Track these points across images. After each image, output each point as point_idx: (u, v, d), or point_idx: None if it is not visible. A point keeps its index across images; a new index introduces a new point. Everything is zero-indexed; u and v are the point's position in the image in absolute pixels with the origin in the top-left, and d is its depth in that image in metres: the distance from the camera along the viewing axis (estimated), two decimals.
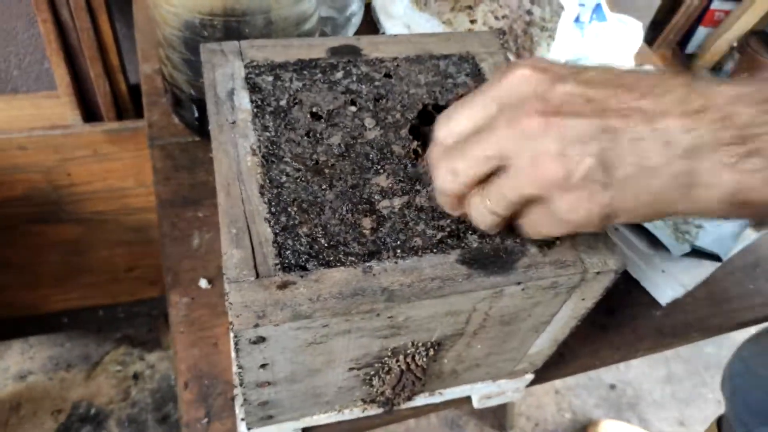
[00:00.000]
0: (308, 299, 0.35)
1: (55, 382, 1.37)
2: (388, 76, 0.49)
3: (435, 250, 0.39)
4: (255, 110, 0.44)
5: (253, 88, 0.46)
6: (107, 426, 1.33)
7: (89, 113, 1.07)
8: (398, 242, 0.39)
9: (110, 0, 0.96)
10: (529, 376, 0.56)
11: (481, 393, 0.56)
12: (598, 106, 0.31)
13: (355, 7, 0.89)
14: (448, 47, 0.52)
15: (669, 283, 0.66)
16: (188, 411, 0.54)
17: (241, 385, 0.41)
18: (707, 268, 0.66)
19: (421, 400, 0.54)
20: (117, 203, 1.11)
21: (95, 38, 0.96)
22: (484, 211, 0.35)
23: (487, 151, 0.33)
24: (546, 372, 0.58)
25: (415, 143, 0.45)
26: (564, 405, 1.53)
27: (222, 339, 0.58)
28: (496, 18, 0.78)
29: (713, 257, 0.65)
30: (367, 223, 0.40)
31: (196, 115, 0.70)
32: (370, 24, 0.92)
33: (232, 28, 0.58)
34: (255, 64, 0.47)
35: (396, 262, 0.38)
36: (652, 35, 1.39)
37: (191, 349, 0.57)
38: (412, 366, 0.44)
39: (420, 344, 0.42)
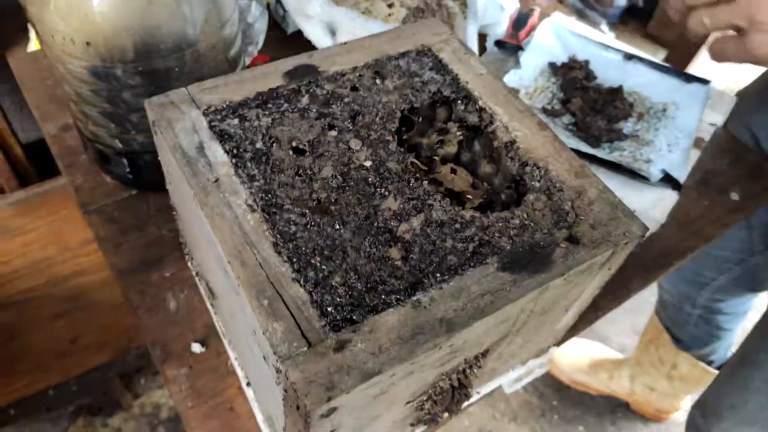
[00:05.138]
0: (371, 354, 0.33)
1: None
2: (355, 89, 0.46)
3: (473, 264, 0.37)
4: (233, 161, 0.40)
5: (221, 136, 0.42)
6: None
7: None
8: (434, 265, 0.37)
9: None
10: (553, 349, 0.57)
11: (511, 378, 0.56)
12: None
13: (256, 12, 0.84)
14: (401, 44, 0.50)
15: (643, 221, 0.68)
16: None
17: None
18: (671, 197, 0.69)
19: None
20: (43, 276, 1.00)
21: None
22: (699, 23, 0.48)
23: None
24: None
25: (410, 156, 0.42)
26: None
27: (236, 400, 0.54)
28: None
29: (673, 184, 0.68)
30: (395, 253, 0.37)
31: (128, 168, 0.63)
32: (274, 27, 0.87)
33: (156, 70, 0.52)
34: (214, 108, 0.43)
35: (441, 287, 0.36)
36: None
37: (208, 422, 0.52)
38: (464, 381, 0.43)
39: (471, 358, 0.41)
